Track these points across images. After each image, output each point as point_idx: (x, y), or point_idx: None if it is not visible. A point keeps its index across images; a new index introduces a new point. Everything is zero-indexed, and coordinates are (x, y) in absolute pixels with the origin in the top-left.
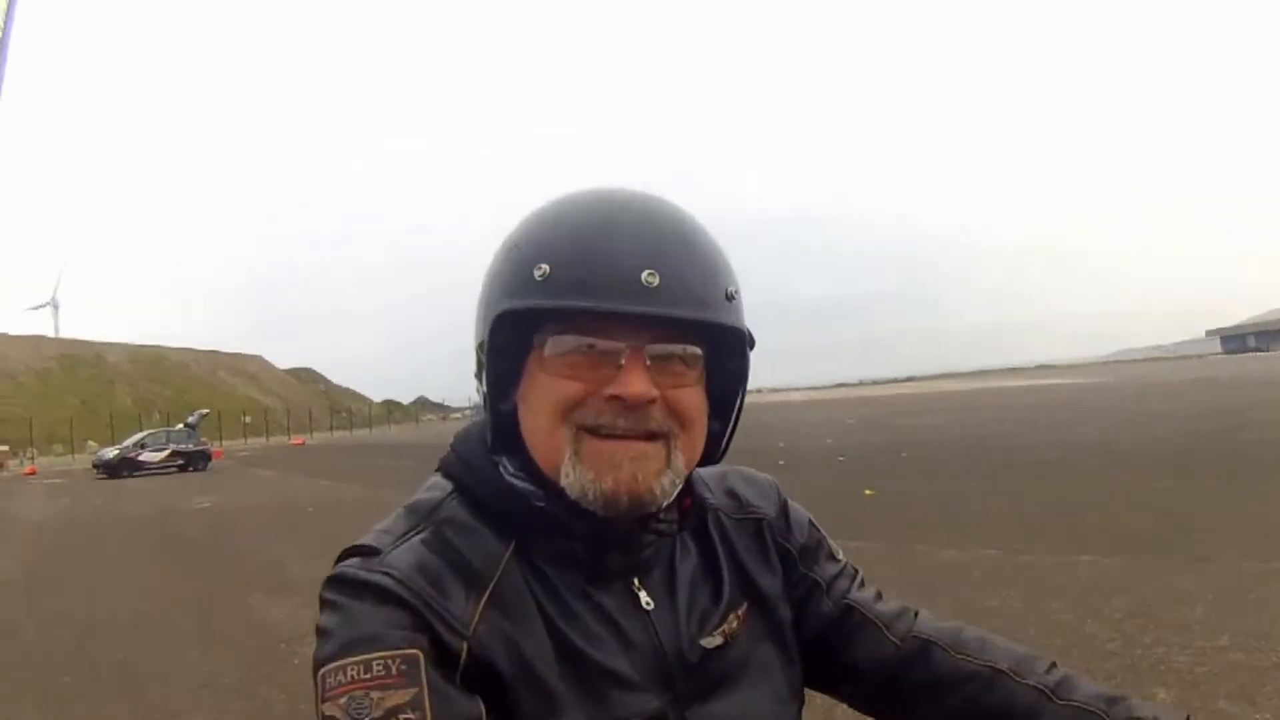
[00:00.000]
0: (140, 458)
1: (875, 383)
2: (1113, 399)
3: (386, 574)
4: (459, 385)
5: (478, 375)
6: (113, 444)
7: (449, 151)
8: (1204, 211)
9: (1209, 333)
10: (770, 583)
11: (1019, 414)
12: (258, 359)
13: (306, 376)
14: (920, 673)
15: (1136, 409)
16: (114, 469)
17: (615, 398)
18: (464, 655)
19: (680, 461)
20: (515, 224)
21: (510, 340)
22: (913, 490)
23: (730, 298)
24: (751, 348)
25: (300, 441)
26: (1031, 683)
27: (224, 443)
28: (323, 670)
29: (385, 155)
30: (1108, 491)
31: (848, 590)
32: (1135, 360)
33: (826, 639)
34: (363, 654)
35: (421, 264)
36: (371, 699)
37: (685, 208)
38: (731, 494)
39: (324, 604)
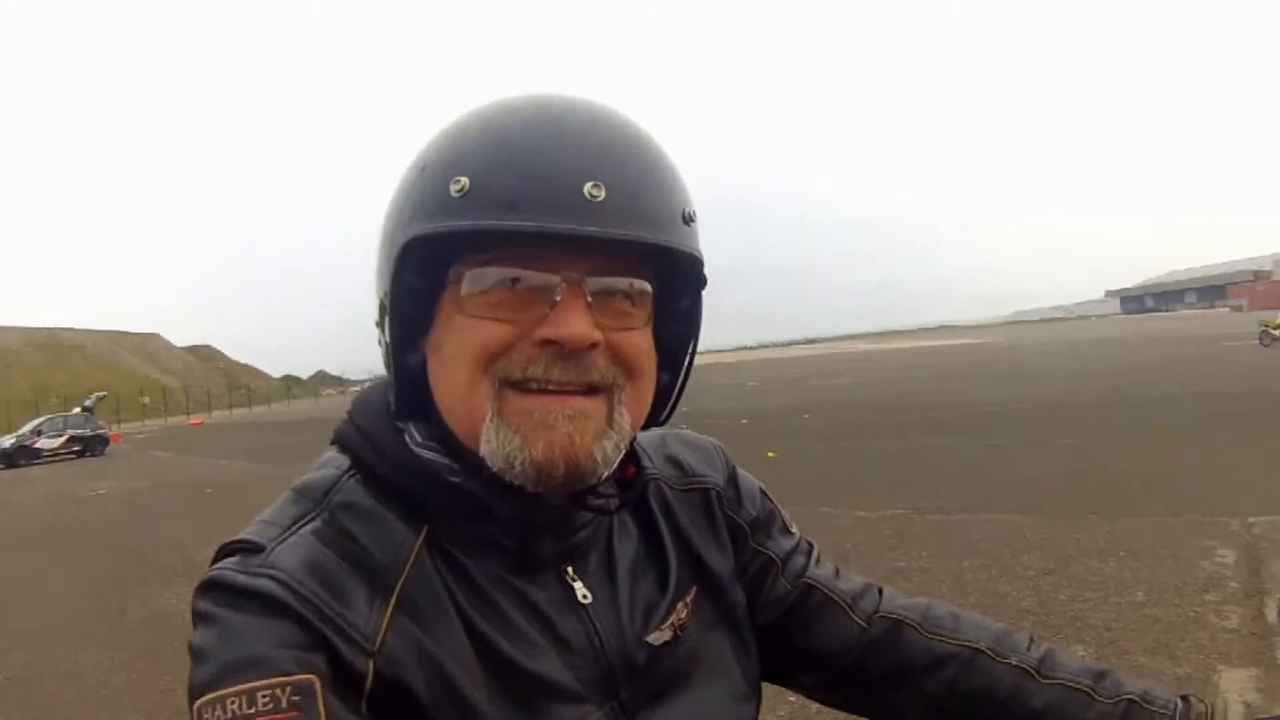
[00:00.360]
0: (37, 445)
1: (776, 345)
2: (1015, 358)
3: (271, 577)
4: (358, 357)
5: (379, 324)
6: (9, 432)
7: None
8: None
9: (1109, 293)
10: (720, 562)
11: (922, 374)
12: (156, 337)
13: (205, 354)
14: (890, 657)
15: (1039, 368)
16: (10, 458)
17: (549, 341)
18: (369, 676)
19: (625, 420)
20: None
21: (420, 278)
22: (817, 451)
23: (688, 220)
24: (703, 287)
25: (199, 421)
26: (1013, 661)
27: (122, 425)
28: (198, 702)
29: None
30: (1014, 450)
31: (805, 567)
32: (1036, 320)
33: (783, 623)
34: (246, 682)
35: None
36: None
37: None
38: (673, 461)
39: (197, 617)
